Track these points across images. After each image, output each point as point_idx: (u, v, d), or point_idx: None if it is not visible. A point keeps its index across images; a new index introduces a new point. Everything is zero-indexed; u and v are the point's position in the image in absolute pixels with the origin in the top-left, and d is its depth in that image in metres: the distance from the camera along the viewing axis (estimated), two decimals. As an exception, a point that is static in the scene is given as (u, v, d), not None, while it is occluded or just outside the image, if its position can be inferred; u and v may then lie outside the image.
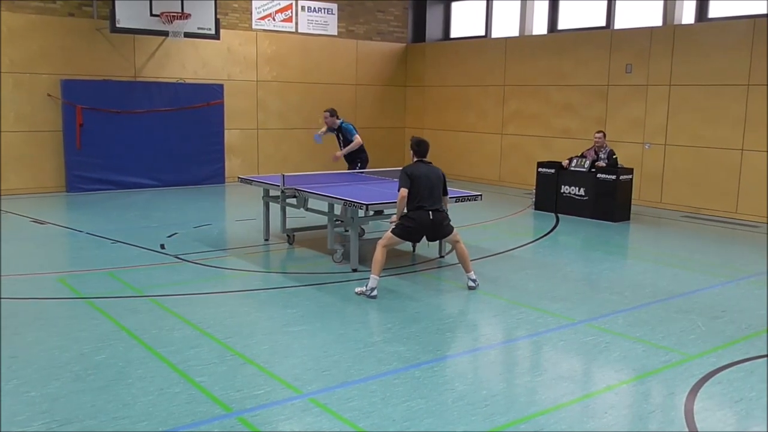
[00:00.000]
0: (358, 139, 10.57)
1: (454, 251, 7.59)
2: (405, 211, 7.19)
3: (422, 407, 4.51)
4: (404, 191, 7.08)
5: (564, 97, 14.79)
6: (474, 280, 7.38)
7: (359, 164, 10.83)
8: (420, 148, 7.38)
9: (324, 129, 10.86)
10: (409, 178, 7.11)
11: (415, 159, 7.35)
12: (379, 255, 7.08)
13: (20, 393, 4.65)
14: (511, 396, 4.80)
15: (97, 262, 8.35)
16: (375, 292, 6.96)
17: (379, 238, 9.38)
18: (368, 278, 7.06)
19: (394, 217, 7.25)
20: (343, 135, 10.69)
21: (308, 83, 16.62)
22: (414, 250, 9.05)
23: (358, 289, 7.11)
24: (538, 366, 5.44)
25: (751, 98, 11.94)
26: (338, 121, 10.69)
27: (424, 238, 7.43)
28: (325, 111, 10.78)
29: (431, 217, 7.09)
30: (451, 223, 7.37)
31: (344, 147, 10.68)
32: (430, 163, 7.39)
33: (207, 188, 14.70)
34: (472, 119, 16.75)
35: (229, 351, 5.48)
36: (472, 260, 7.52)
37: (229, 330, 5.97)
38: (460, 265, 7.54)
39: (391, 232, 7.17)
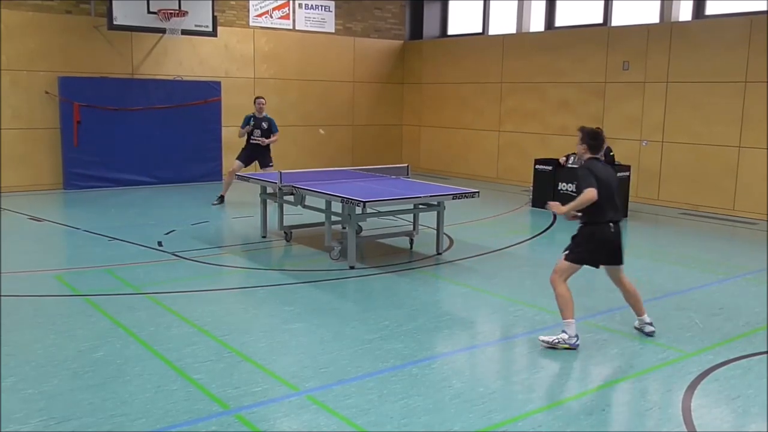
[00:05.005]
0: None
1: (622, 293, 5.94)
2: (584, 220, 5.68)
3: (419, 404, 4.51)
4: (594, 192, 5.41)
5: (561, 94, 14.79)
6: (651, 323, 5.93)
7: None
8: (596, 142, 5.72)
9: None
10: (599, 178, 5.51)
11: (587, 156, 5.73)
12: (564, 292, 5.62)
13: (17, 390, 4.64)
14: (508, 393, 4.81)
15: (95, 259, 8.34)
16: (578, 340, 5.56)
17: (376, 235, 9.44)
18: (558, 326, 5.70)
19: (566, 207, 5.64)
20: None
21: (306, 80, 16.60)
22: (411, 247, 9.05)
23: (553, 339, 5.59)
24: (535, 363, 5.44)
25: (748, 95, 11.95)
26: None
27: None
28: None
29: (613, 230, 5.60)
30: None
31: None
32: (602, 161, 5.82)
33: (204, 185, 14.66)
34: (470, 116, 16.74)
35: (227, 348, 5.48)
36: (470, 257, 7.48)
37: (227, 327, 5.97)
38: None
39: (567, 259, 5.67)
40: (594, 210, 5.53)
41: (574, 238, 5.72)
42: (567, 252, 5.69)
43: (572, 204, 5.56)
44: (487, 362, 5.50)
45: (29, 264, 8.09)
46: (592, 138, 5.71)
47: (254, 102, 12.14)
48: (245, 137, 12.01)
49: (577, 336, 5.57)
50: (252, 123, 11.86)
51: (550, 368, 5.27)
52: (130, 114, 14.10)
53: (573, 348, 5.55)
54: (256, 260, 8.66)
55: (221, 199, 12.20)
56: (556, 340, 5.56)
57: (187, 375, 4.93)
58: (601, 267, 5.81)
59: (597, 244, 5.63)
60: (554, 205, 5.76)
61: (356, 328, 6.03)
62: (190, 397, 4.57)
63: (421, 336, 5.86)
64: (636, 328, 6.01)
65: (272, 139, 11.95)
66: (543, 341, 5.61)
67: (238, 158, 12.02)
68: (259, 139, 11.84)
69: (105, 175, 13.96)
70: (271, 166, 11.90)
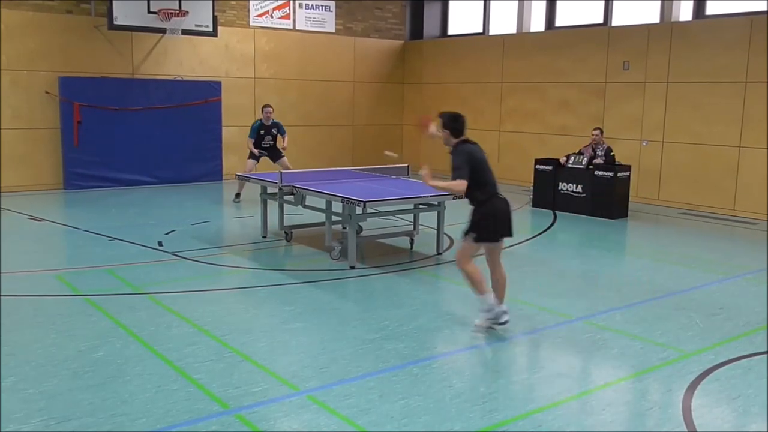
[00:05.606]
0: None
1: (492, 274, 6.09)
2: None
3: (420, 404, 4.51)
4: (465, 185, 5.62)
5: (561, 94, 14.79)
6: (506, 312, 5.95)
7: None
8: (457, 124, 5.84)
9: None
10: (473, 161, 5.66)
11: (454, 140, 5.83)
12: (474, 269, 5.78)
13: (17, 390, 4.64)
14: (508, 393, 4.81)
15: (95, 259, 8.34)
16: (506, 317, 5.80)
17: (376, 235, 9.44)
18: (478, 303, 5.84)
19: (434, 183, 5.77)
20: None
21: (306, 80, 16.60)
22: (412, 247, 9.05)
23: (482, 323, 5.82)
24: (535, 363, 5.44)
25: (748, 95, 11.95)
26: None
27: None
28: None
29: (502, 198, 5.86)
30: None
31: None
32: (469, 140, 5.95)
33: (204, 185, 14.68)
34: (470, 116, 16.33)
35: (227, 348, 5.48)
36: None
37: (227, 327, 5.97)
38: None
39: (473, 240, 5.81)
40: (482, 188, 5.73)
41: (474, 220, 5.81)
42: (473, 234, 5.78)
43: (441, 184, 5.75)
44: (488, 362, 5.50)
45: (29, 264, 8.09)
46: (453, 121, 5.82)
47: (262, 110, 12.59)
48: (254, 140, 12.52)
49: (504, 310, 5.74)
50: (262, 132, 12.48)
51: (550, 368, 5.26)
52: (130, 114, 14.10)
53: (503, 323, 5.78)
54: (257, 260, 8.66)
55: (238, 196, 12.63)
56: (486, 324, 5.75)
57: (187, 375, 4.93)
58: (482, 249, 5.96)
59: (496, 218, 5.80)
60: (426, 176, 5.82)
61: (357, 327, 6.03)
62: (191, 397, 4.57)
63: (422, 336, 5.86)
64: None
65: (286, 140, 12.64)
66: (478, 326, 5.80)
67: (249, 157, 12.54)
68: (267, 146, 12.55)
69: (105, 175, 13.97)
70: (283, 156, 12.61)
